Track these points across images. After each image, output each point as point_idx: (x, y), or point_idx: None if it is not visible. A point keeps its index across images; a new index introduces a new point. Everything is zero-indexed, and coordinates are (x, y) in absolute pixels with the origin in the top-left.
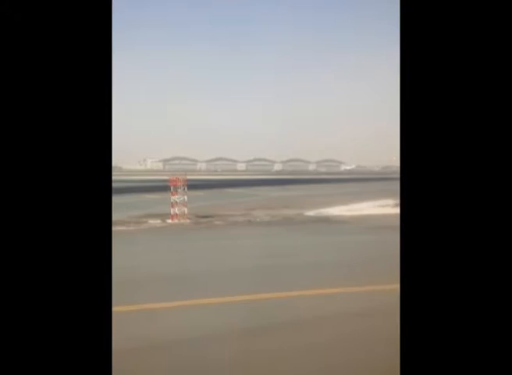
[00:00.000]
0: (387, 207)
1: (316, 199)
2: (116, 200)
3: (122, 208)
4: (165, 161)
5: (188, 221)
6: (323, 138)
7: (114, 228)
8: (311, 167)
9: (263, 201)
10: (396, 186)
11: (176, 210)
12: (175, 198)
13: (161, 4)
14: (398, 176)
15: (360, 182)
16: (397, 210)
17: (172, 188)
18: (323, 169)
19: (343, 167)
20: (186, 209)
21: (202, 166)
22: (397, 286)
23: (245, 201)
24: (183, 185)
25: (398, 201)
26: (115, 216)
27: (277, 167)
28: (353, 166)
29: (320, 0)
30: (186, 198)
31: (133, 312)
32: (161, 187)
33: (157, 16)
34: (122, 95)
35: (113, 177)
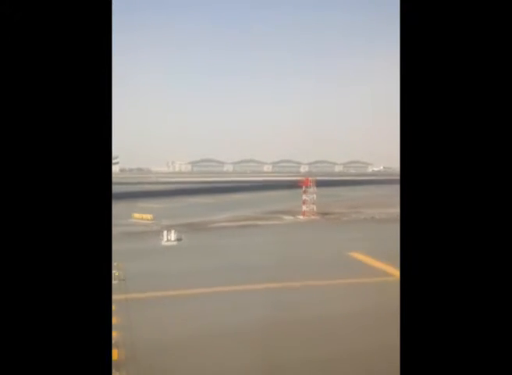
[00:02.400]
0: None
1: (395, 199)
2: (220, 199)
3: (238, 206)
4: (194, 163)
5: (318, 217)
6: (348, 140)
7: (262, 222)
8: (338, 168)
9: (352, 200)
10: None
11: (305, 207)
12: (305, 196)
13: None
14: None
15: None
16: None
17: (303, 188)
18: (353, 171)
19: (371, 168)
20: (314, 207)
21: (229, 167)
22: None
23: (336, 201)
24: (313, 185)
25: None
26: (248, 212)
27: (303, 169)
28: (380, 168)
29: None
30: (315, 196)
31: None
32: (234, 188)
33: (186, 18)
34: (150, 98)
35: (171, 179)
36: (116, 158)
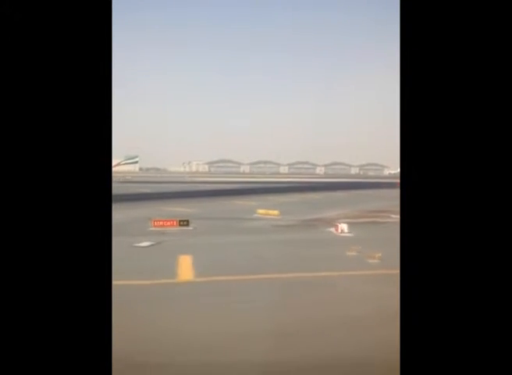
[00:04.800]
0: None
1: None
2: (300, 198)
3: (329, 205)
4: (211, 163)
5: None
6: (363, 142)
7: (380, 220)
8: (353, 171)
9: None
10: None
11: None
12: None
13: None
14: None
15: None
16: None
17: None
18: (372, 173)
19: (387, 171)
20: None
21: (246, 168)
22: None
23: None
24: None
25: None
26: (350, 211)
27: (319, 170)
28: (397, 171)
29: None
30: None
31: None
32: (294, 188)
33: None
34: (166, 98)
35: (205, 179)
36: (135, 158)
